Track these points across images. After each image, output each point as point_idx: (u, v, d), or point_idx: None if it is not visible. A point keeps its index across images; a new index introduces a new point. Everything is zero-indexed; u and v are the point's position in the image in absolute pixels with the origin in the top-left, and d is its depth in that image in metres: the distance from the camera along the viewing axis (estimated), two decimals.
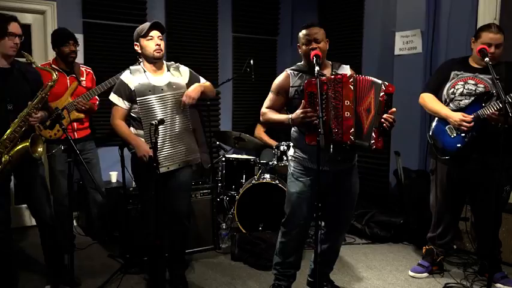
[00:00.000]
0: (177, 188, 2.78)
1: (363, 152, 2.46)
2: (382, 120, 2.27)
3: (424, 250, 3.22)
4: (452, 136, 2.87)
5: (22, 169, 2.64)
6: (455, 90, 2.89)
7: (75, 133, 3.45)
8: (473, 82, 2.85)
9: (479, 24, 3.60)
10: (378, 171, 4.46)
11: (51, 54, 4.09)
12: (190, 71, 2.86)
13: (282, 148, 3.93)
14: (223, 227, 3.96)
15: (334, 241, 2.68)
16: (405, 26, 4.04)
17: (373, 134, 2.29)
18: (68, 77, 3.38)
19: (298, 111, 2.30)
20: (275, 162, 3.94)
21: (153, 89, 2.68)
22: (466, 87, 2.86)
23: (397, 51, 4.13)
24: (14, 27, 2.54)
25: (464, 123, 2.75)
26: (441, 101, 2.95)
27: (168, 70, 2.78)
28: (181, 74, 2.81)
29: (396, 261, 3.46)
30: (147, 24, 2.66)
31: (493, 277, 2.89)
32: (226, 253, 3.56)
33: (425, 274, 3.15)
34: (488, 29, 2.79)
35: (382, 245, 3.78)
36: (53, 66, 3.28)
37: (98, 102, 3.59)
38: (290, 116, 2.38)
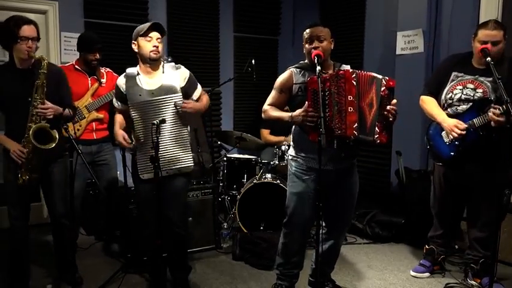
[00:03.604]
0: (168, 197, 2.67)
1: (367, 146, 2.45)
2: (385, 113, 2.29)
3: (425, 250, 3.21)
4: (447, 143, 2.85)
5: (44, 165, 2.66)
6: (453, 95, 2.83)
7: (94, 133, 3.46)
8: (472, 86, 2.77)
9: None
10: (379, 171, 4.45)
11: (53, 54, 4.10)
12: (190, 76, 2.75)
13: (283, 148, 3.93)
14: (225, 226, 3.96)
15: (335, 240, 2.68)
16: (407, 26, 4.03)
17: (376, 128, 2.30)
18: (89, 78, 3.44)
19: (300, 111, 2.31)
20: (276, 162, 3.94)
21: (144, 93, 2.63)
22: (464, 92, 2.79)
23: (398, 51, 4.12)
24: (26, 31, 2.53)
25: (456, 130, 2.71)
26: (439, 105, 2.91)
27: (164, 72, 2.69)
28: (178, 76, 2.70)
29: (397, 261, 3.45)
30: (147, 24, 2.63)
31: (481, 282, 2.90)
32: (227, 253, 3.56)
33: (427, 274, 3.14)
34: (484, 26, 2.71)
35: (383, 245, 3.77)
36: (75, 66, 3.37)
37: None
38: (291, 114, 2.39)
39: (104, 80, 3.52)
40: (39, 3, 4.03)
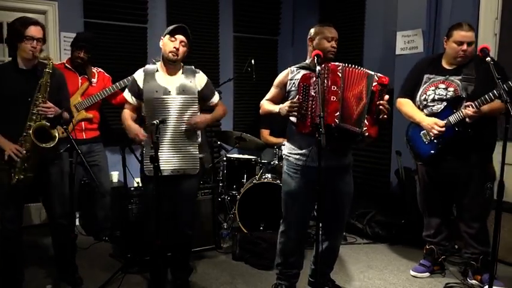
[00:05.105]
0: (179, 197, 2.73)
1: (356, 140, 2.43)
2: (379, 108, 2.34)
3: (425, 250, 3.21)
4: (426, 142, 2.91)
5: (40, 166, 2.65)
6: (427, 97, 2.92)
7: (84, 133, 3.45)
8: (443, 86, 2.87)
9: (481, 23, 3.61)
10: (379, 170, 4.45)
11: (52, 54, 4.09)
12: (207, 82, 2.80)
13: (283, 148, 3.93)
14: (225, 226, 3.96)
15: (332, 241, 2.68)
16: (406, 26, 4.03)
17: (366, 121, 2.35)
18: (79, 77, 3.42)
19: (287, 102, 2.40)
20: (276, 162, 3.95)
21: (161, 90, 2.65)
22: (436, 93, 2.89)
23: (398, 51, 4.12)
24: (32, 31, 2.54)
25: (436, 127, 2.79)
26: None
27: (183, 73, 2.73)
28: (195, 80, 2.73)
29: (397, 261, 3.46)
30: (176, 26, 2.66)
31: (482, 279, 2.90)
32: (227, 253, 3.56)
33: (427, 274, 3.15)
34: (459, 27, 2.81)
35: (383, 245, 3.78)
36: (66, 65, 3.37)
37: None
38: (280, 105, 2.48)
39: (94, 80, 3.52)
40: (38, 3, 4.02)
